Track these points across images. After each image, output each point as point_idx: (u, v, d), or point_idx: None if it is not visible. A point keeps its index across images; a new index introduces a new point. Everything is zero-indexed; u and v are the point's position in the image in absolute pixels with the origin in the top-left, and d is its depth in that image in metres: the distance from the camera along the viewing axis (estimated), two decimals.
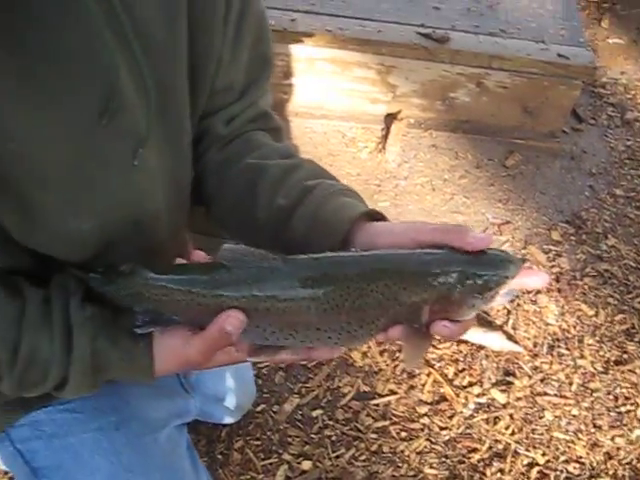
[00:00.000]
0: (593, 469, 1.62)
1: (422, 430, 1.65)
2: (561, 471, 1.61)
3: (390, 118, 2.33)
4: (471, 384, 1.73)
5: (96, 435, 0.91)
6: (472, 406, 1.69)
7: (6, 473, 1.46)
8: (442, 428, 1.65)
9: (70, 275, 0.72)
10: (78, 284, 0.72)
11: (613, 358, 1.81)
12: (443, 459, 1.60)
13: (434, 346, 1.78)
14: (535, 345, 1.82)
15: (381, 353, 1.76)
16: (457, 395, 1.71)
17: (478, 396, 1.71)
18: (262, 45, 0.86)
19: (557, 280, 1.98)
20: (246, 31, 0.81)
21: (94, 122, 0.64)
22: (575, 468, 1.61)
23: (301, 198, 0.73)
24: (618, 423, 1.70)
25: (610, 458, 1.64)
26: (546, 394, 1.73)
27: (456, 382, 1.73)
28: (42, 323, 0.69)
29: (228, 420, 1.49)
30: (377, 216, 0.72)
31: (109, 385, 0.91)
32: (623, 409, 1.72)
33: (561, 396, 1.73)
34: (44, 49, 0.59)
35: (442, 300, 0.66)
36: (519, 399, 1.71)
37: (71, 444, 0.90)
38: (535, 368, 1.78)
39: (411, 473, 1.58)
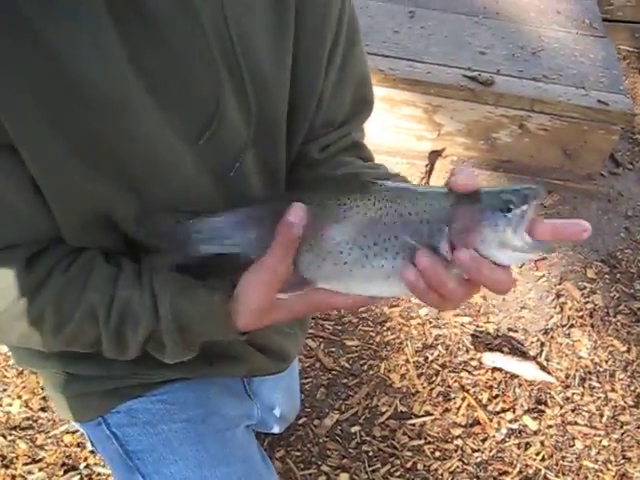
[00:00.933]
0: None
1: (455, 451, 1.72)
2: None
3: (435, 155, 2.44)
4: (504, 410, 1.81)
5: (185, 425, 1.00)
6: (504, 431, 1.76)
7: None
8: (475, 450, 1.73)
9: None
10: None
11: None
12: None
13: (469, 372, 1.87)
14: (567, 377, 1.89)
15: (419, 376, 1.85)
16: (490, 420, 1.78)
17: (510, 422, 1.78)
18: (363, 88, 0.97)
19: (591, 316, 2.05)
20: (349, 75, 0.92)
21: (197, 136, 0.76)
22: None
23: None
24: None
25: None
26: (577, 424, 1.80)
27: (490, 407, 1.81)
28: (133, 282, 0.78)
29: (275, 429, 1.58)
30: None
31: (192, 382, 1.01)
32: None
33: (591, 427, 1.80)
34: (165, 65, 0.71)
35: (462, 218, 0.65)
36: (550, 427, 1.78)
37: (163, 431, 0.99)
38: (567, 398, 1.84)
39: None
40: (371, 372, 1.86)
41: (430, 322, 1.98)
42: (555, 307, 2.06)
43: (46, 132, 0.68)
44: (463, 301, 0.69)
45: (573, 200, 2.41)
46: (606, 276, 2.18)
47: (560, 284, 2.13)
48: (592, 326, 2.02)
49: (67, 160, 0.70)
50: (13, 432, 1.65)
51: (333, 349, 1.90)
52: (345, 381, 1.83)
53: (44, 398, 1.71)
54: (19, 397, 1.71)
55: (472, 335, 1.95)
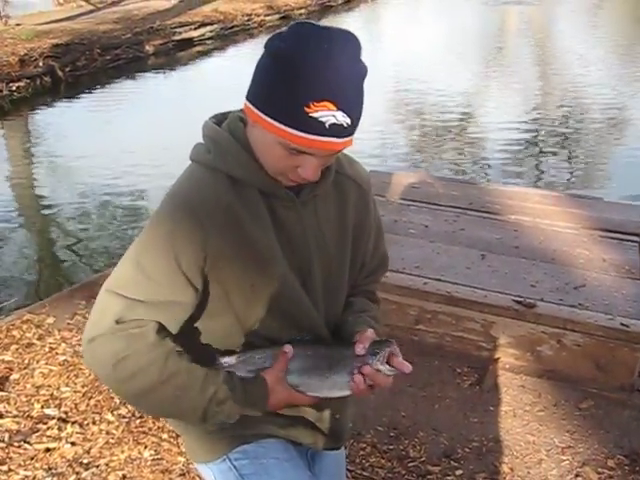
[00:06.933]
0: None
1: None
2: None
3: (490, 361, 3.04)
4: None
5: (275, 460, 1.52)
6: None
7: None
8: None
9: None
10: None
11: None
12: None
13: None
14: None
15: None
16: None
17: None
18: (383, 257, 1.66)
19: None
20: (377, 253, 1.60)
21: (304, 279, 1.45)
22: None
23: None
24: None
25: None
26: None
27: None
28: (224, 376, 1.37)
29: None
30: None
31: (280, 440, 1.58)
32: None
33: None
34: (291, 246, 1.40)
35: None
36: None
37: (263, 463, 1.50)
38: None
39: None
40: None
41: None
42: None
43: (250, 277, 1.34)
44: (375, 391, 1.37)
45: (606, 407, 2.86)
46: (625, 467, 2.57)
47: (581, 467, 2.55)
48: None
49: (253, 292, 1.36)
50: None
51: None
52: None
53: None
54: None
55: None
